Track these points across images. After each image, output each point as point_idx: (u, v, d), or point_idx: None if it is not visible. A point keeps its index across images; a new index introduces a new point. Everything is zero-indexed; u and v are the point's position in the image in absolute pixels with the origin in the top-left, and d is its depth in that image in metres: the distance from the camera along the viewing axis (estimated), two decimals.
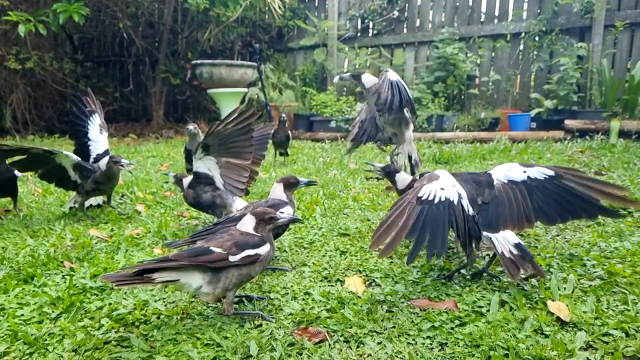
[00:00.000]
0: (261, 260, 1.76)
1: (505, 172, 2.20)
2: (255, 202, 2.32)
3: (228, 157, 2.69)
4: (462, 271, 2.11)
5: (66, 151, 3.05)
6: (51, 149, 3.00)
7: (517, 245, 1.94)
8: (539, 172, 2.15)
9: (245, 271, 1.73)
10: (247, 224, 1.81)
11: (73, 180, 3.12)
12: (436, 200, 1.89)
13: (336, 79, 3.82)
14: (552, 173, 2.13)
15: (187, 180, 2.81)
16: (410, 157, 3.45)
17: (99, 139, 3.33)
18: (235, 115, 2.46)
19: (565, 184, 2.11)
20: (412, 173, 3.40)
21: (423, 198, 1.89)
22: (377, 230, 1.80)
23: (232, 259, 1.68)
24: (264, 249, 1.76)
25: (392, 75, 3.16)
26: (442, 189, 1.93)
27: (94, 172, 3.07)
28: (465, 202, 1.97)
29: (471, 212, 1.97)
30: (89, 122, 3.40)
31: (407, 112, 3.37)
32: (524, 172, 2.17)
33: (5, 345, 1.59)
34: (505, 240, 1.97)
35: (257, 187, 3.94)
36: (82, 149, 3.35)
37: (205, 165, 2.70)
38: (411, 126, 3.41)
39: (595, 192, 2.06)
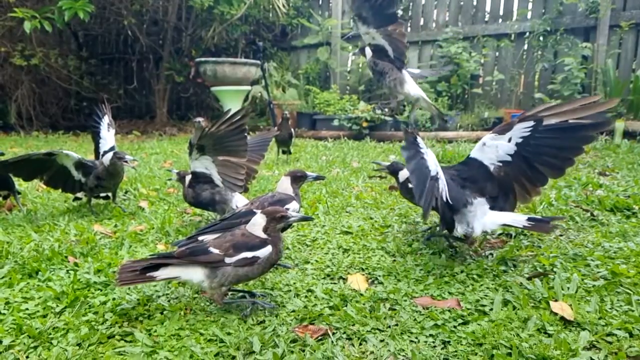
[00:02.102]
0: (260, 263, 1.74)
1: (495, 153, 2.22)
2: (261, 197, 2.33)
3: (224, 156, 2.72)
4: (465, 268, 2.11)
5: (66, 150, 3.07)
6: (51, 150, 3.00)
7: (529, 219, 2.07)
8: (522, 130, 2.15)
9: (242, 272, 1.73)
10: (258, 224, 1.79)
11: (78, 180, 3.12)
12: (420, 150, 2.10)
13: (350, 54, 4.06)
14: (532, 122, 2.13)
15: (189, 178, 2.83)
16: (435, 110, 3.55)
17: (106, 136, 3.37)
18: (228, 116, 2.51)
19: (550, 124, 2.11)
20: (444, 121, 3.48)
21: (417, 139, 2.13)
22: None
23: (227, 260, 1.71)
24: (263, 252, 1.74)
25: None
26: (427, 155, 2.13)
27: (95, 168, 3.08)
28: (441, 185, 2.06)
29: (444, 196, 2.07)
30: (101, 122, 3.54)
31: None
32: (509, 139, 2.18)
33: (10, 338, 1.60)
34: (515, 219, 2.11)
35: (259, 185, 3.94)
36: (97, 147, 3.53)
37: (202, 164, 2.74)
38: (407, 83, 3.41)
39: (576, 112, 2.07)
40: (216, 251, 1.72)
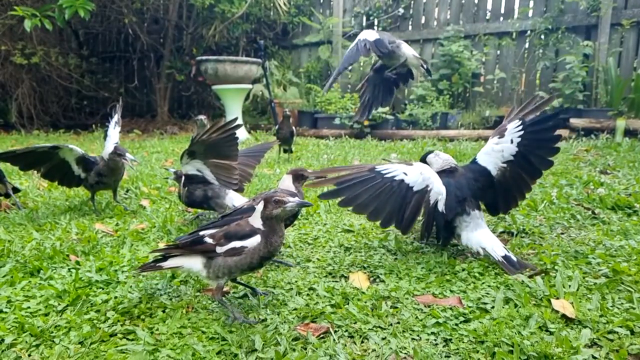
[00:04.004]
0: (247, 253, 1.68)
1: (500, 158, 2.32)
2: (263, 194, 2.33)
3: (215, 159, 2.74)
4: (466, 266, 2.11)
5: (71, 145, 3.08)
6: (57, 144, 3.01)
7: (504, 257, 2.08)
8: (515, 130, 2.30)
9: (231, 262, 1.68)
10: (258, 211, 1.73)
11: (77, 175, 3.13)
12: (388, 176, 2.15)
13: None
14: (519, 122, 2.31)
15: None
16: (423, 66, 3.88)
17: (111, 133, 3.35)
18: (220, 125, 2.55)
19: (531, 120, 2.30)
20: (429, 74, 3.95)
21: (377, 170, 2.17)
22: (327, 169, 2.23)
23: (219, 249, 1.70)
24: (251, 241, 1.69)
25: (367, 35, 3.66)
26: (405, 173, 2.17)
27: (96, 164, 3.09)
28: (434, 196, 2.18)
29: (440, 208, 2.19)
30: (111, 120, 3.50)
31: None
32: (511, 141, 2.30)
33: (12, 337, 1.61)
34: (495, 250, 2.13)
35: (261, 183, 3.94)
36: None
37: (194, 167, 2.77)
38: (403, 45, 3.78)
39: (536, 110, 2.35)
40: (210, 240, 1.73)
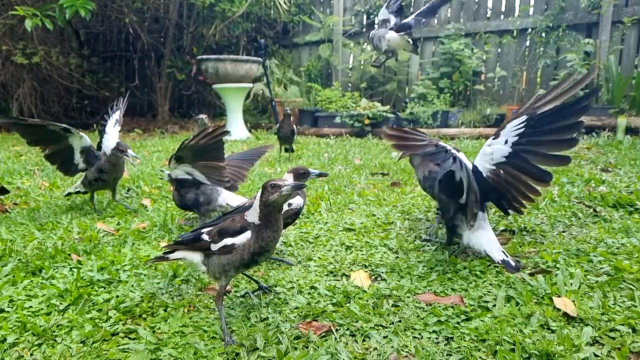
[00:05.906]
0: (237, 249, 1.62)
1: (489, 161, 2.20)
2: None
3: (203, 161, 2.75)
4: (467, 265, 2.11)
5: (83, 133, 3.09)
6: (69, 127, 3.02)
7: (502, 260, 2.03)
8: (515, 128, 2.11)
9: (224, 260, 1.65)
10: (256, 201, 1.65)
11: (75, 164, 3.16)
12: (451, 151, 2.19)
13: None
14: (524, 117, 2.09)
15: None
16: (412, 43, 4.17)
17: (111, 131, 3.34)
18: (208, 132, 2.54)
19: (543, 113, 2.07)
20: (416, 45, 4.19)
21: (441, 145, 2.25)
22: (399, 136, 2.28)
23: (213, 247, 1.68)
24: (240, 238, 1.63)
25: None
26: (457, 150, 2.24)
27: (98, 160, 3.10)
28: (472, 179, 2.11)
29: (476, 189, 2.14)
30: (110, 117, 3.46)
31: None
32: (505, 141, 2.14)
33: (15, 336, 1.61)
34: (494, 253, 2.08)
35: (262, 182, 3.94)
36: (101, 144, 3.43)
37: (183, 170, 2.77)
38: (386, 35, 4.11)
39: (565, 94, 2.09)
40: (206, 238, 1.72)
